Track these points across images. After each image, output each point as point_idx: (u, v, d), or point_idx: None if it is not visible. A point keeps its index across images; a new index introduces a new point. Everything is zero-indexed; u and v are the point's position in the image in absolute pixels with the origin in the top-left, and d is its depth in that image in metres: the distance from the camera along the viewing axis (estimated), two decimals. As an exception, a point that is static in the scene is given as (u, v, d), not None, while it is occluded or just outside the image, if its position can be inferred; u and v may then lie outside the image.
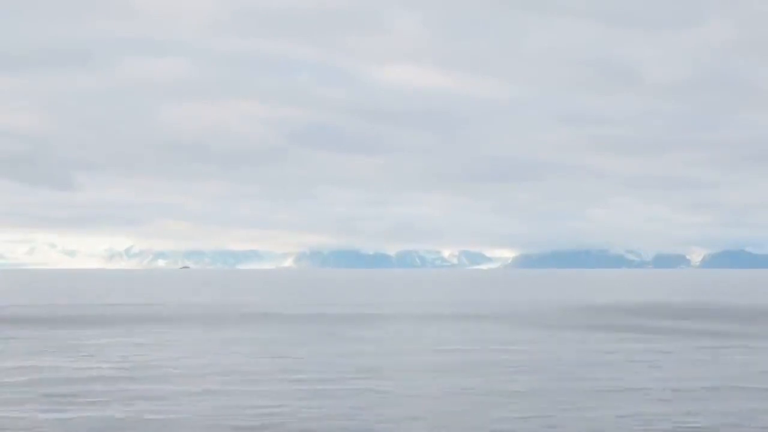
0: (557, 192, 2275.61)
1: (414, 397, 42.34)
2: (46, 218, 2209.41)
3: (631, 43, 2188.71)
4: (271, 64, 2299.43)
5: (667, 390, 45.06)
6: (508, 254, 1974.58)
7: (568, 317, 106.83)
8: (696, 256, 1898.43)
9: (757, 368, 54.82)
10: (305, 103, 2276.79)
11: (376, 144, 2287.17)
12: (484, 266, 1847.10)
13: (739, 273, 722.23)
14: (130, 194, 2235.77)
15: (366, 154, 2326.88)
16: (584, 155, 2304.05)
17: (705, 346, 69.32)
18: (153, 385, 45.77)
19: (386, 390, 44.46)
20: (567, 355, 62.35)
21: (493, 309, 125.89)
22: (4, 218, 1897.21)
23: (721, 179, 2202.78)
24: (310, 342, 71.42)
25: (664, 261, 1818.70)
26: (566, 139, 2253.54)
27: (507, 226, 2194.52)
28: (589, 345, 69.95)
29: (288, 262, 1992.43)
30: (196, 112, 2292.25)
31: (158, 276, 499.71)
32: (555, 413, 37.89)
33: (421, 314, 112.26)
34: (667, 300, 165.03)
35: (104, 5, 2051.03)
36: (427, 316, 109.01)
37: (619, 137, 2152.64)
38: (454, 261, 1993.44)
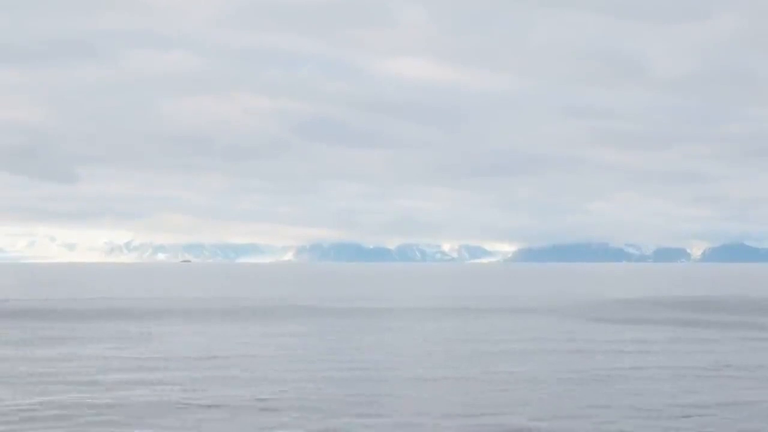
0: (559, 186, 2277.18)
1: (437, 382, 45.81)
2: (46, 211, 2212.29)
3: (637, 37, 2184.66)
4: (275, 57, 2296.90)
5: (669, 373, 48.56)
6: (508, 248, 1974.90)
7: (576, 311, 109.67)
8: (696, 250, 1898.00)
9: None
10: (309, 97, 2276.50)
11: (378, 137, 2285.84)
12: (484, 260, 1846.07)
13: (740, 267, 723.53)
14: (130, 188, 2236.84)
15: (368, 148, 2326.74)
16: (587, 149, 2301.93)
17: (711, 338, 72.70)
18: (204, 373, 49.19)
19: (412, 376, 47.94)
20: (569, 345, 65.71)
21: (497, 303, 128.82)
22: (4, 211, 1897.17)
23: (723, 173, 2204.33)
24: (339, 333, 74.79)
25: (664, 255, 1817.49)
26: (570, 132, 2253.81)
27: (507, 219, 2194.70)
28: (604, 335, 73.27)
29: (288, 256, 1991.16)
30: (199, 106, 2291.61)
31: (163, 270, 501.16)
32: (551, 398, 41.42)
33: (431, 308, 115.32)
34: (671, 294, 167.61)
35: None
36: (438, 309, 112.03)
37: (622, 131, 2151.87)
38: (455, 255, 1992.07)
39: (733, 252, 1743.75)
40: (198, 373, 49.01)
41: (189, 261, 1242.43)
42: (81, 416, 36.35)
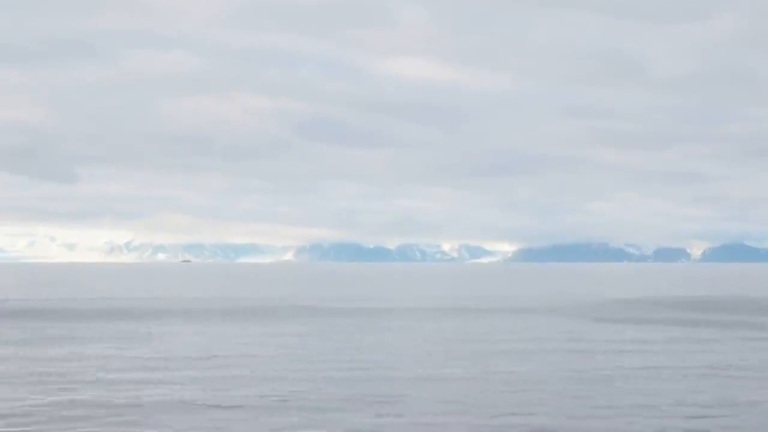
0: (559, 186, 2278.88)
1: (438, 382, 45.97)
2: (46, 211, 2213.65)
3: (637, 37, 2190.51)
4: (275, 57, 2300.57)
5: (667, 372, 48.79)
6: (508, 248, 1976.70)
7: (577, 311, 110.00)
8: (696, 250, 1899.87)
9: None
10: (309, 96, 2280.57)
11: (378, 137, 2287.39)
12: (484, 260, 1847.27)
13: (741, 267, 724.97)
14: (130, 188, 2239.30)
15: (367, 148, 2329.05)
16: (587, 149, 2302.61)
17: (711, 338, 72.98)
18: (206, 372, 49.37)
19: (412, 376, 48.12)
20: (570, 345, 65.98)
21: (498, 303, 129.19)
22: (4, 211, 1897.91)
23: (723, 173, 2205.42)
24: (340, 333, 75.05)
25: (664, 255, 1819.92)
26: (569, 132, 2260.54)
27: (508, 219, 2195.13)
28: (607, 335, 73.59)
29: (288, 256, 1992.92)
30: (199, 106, 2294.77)
31: (162, 270, 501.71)
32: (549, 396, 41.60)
33: (432, 308, 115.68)
34: (671, 294, 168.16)
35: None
36: (438, 309, 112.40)
37: (622, 131, 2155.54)
38: (455, 255, 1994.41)
39: (734, 252, 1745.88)
40: (200, 373, 49.18)
41: (189, 261, 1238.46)
42: (98, 417, 36.45)
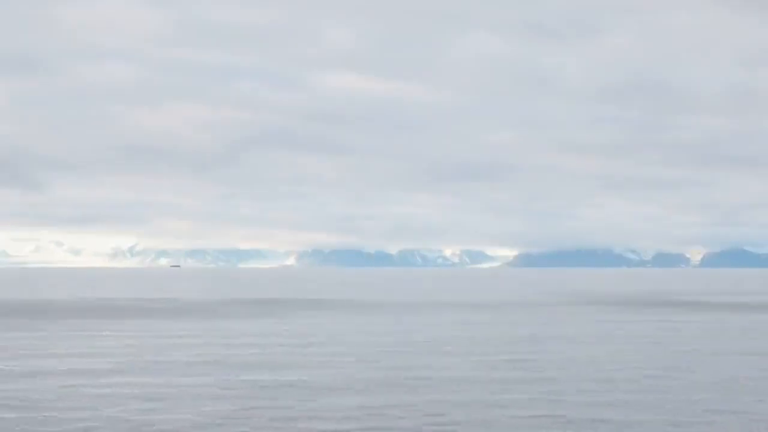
0: (557, 191, 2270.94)
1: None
2: (52, 217, 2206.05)
3: (546, 53, 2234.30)
4: (212, 71, 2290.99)
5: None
6: (508, 253, 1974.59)
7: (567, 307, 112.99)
8: (696, 255, 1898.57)
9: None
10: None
11: (332, 145, 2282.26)
12: (485, 265, 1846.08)
13: (740, 272, 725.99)
14: (134, 193, 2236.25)
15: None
16: (546, 157, 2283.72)
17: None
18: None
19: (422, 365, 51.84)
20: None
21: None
22: (11, 216, 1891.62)
23: (722, 178, 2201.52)
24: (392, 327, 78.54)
25: (663, 260, 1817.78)
26: (520, 141, 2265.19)
27: (507, 225, 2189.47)
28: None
29: (290, 261, 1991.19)
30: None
31: (143, 274, 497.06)
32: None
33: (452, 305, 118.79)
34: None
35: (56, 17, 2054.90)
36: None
37: (572, 140, 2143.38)
38: (456, 260, 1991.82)
39: (733, 257, 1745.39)
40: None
41: (178, 266, 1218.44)
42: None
